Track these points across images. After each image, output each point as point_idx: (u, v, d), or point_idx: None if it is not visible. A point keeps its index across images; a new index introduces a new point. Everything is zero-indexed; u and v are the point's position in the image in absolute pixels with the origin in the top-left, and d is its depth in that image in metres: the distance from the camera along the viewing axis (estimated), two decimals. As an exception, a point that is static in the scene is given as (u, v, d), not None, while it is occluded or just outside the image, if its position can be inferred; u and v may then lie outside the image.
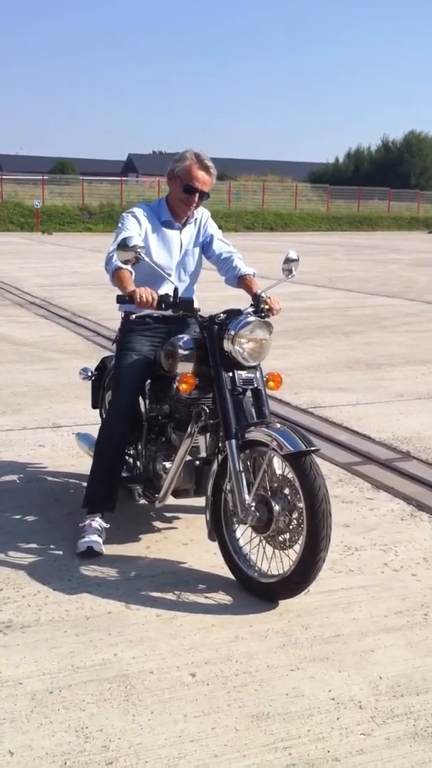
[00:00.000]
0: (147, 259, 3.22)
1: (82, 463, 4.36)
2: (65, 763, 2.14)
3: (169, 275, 3.48)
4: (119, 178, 43.89)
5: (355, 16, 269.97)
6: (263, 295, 3.44)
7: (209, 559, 3.35)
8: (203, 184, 3.52)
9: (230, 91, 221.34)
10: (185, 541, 3.59)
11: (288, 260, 3.57)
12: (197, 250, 3.75)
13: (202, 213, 3.78)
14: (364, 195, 48.20)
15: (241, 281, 3.65)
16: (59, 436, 5.17)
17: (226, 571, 3.21)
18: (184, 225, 3.68)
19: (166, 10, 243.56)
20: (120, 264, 3.29)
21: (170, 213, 3.65)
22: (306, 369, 7.38)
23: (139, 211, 3.63)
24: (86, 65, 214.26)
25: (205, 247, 3.78)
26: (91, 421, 5.03)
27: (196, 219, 3.74)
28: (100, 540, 3.45)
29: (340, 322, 10.37)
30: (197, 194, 3.53)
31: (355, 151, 61.72)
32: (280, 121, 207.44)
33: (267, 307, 3.40)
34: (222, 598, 3.08)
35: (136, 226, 3.54)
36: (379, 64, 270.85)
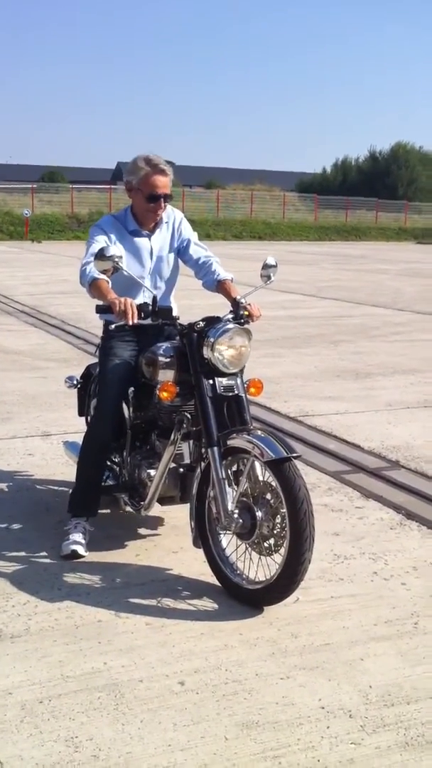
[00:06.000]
0: (124, 268, 3.22)
1: (71, 471, 4.33)
2: (55, 772, 2.13)
3: (144, 284, 3.49)
4: (108, 186, 43.88)
5: (344, 29, 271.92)
6: (243, 301, 3.45)
7: (198, 566, 3.34)
8: (164, 188, 3.53)
9: (219, 100, 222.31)
10: (174, 548, 3.58)
11: (266, 266, 3.58)
12: (172, 255, 3.74)
13: (174, 216, 3.76)
14: (352, 205, 48.44)
15: (220, 286, 3.64)
16: (49, 444, 5.15)
17: (215, 579, 3.21)
18: (153, 231, 3.68)
19: (156, 19, 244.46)
20: (96, 275, 3.31)
21: (136, 222, 3.65)
22: (295, 377, 7.40)
23: (105, 223, 3.64)
24: (75, 73, 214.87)
25: (182, 251, 3.76)
26: (81, 430, 5.00)
27: (167, 223, 3.72)
28: (83, 542, 3.49)
29: (329, 331, 10.40)
30: (162, 199, 3.54)
31: (342, 161, 61.93)
32: (269, 130, 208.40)
33: (246, 313, 3.41)
34: (211, 606, 3.08)
35: (105, 239, 3.54)
36: (366, 75, 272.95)
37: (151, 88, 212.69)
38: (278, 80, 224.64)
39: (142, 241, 3.65)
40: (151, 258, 3.66)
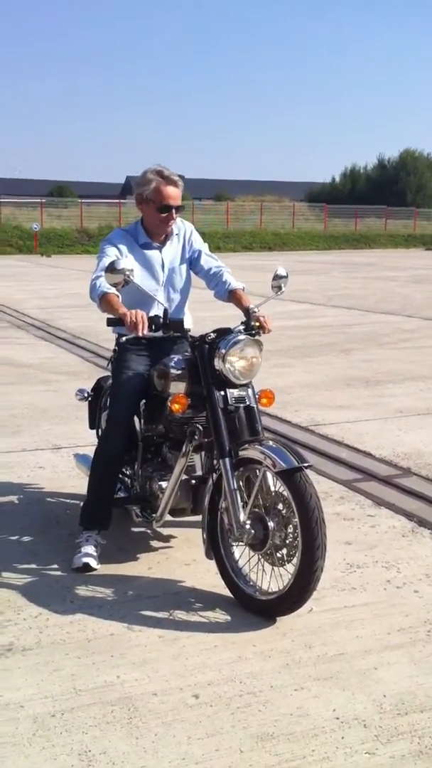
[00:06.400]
0: (136, 281, 3.23)
1: (82, 484, 4.33)
2: (68, 787, 2.12)
3: (157, 296, 3.50)
4: (117, 201, 44.07)
5: (350, 37, 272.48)
6: (256, 310, 3.45)
7: (211, 578, 3.33)
8: (176, 199, 3.55)
9: (228, 112, 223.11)
10: (187, 560, 3.57)
11: (277, 277, 3.58)
12: (184, 267, 3.75)
13: (184, 228, 3.78)
14: (361, 213, 48.46)
15: (232, 296, 3.64)
16: (59, 457, 5.16)
17: (228, 591, 3.19)
18: (164, 243, 3.70)
19: (162, 32, 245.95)
20: (106, 289, 3.32)
21: (147, 235, 3.66)
22: (305, 387, 7.39)
23: (116, 237, 3.66)
24: (83, 88, 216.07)
25: (193, 262, 3.78)
26: (91, 443, 5.01)
27: (177, 234, 3.73)
28: (95, 555, 3.49)
29: (339, 340, 10.39)
30: (174, 210, 3.56)
31: (351, 170, 62.00)
32: (277, 141, 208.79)
33: (258, 324, 3.41)
34: (224, 618, 3.06)
35: (116, 252, 3.54)
36: (374, 82, 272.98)
37: (160, 101, 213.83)
38: (286, 91, 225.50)
39: (153, 254, 3.66)
40: (163, 270, 3.67)
